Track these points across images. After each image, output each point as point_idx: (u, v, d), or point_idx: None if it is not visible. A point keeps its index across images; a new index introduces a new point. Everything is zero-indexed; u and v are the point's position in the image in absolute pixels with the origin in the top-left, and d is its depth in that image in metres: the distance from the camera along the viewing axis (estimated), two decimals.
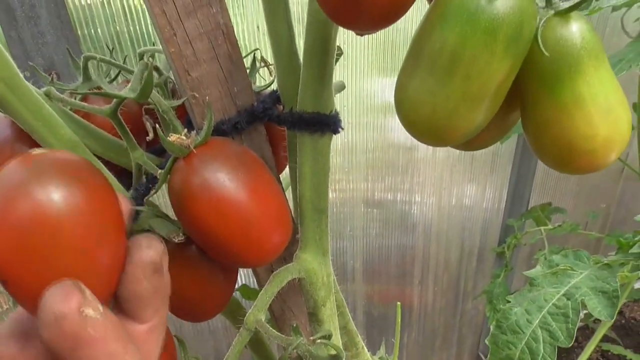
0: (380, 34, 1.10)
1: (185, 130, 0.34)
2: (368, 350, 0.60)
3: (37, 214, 0.20)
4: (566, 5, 0.28)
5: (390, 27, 0.28)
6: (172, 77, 0.41)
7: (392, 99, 0.31)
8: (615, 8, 0.83)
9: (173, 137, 0.33)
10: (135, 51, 0.83)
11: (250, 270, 0.54)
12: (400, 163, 1.31)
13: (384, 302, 1.49)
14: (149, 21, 0.82)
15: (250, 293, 0.67)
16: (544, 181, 1.64)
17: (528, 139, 0.31)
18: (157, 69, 0.40)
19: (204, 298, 0.40)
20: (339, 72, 1.09)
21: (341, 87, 0.44)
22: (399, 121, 0.31)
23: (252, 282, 0.87)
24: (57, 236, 0.21)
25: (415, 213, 1.43)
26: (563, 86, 0.28)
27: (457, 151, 1.46)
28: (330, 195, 1.25)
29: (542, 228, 1.31)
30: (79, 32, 0.76)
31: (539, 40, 0.27)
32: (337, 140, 1.18)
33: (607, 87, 0.28)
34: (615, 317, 0.91)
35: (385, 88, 1.15)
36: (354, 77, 1.11)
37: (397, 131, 1.21)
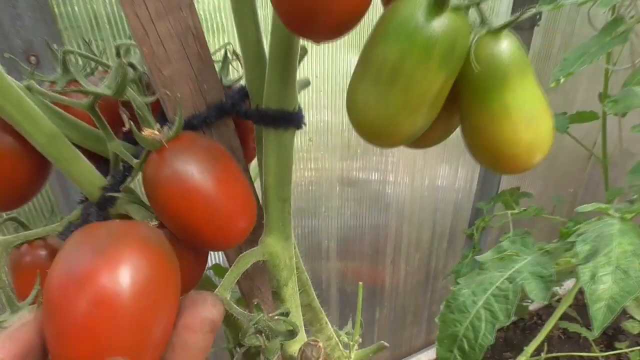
0: None
1: (158, 125, 0.37)
2: (341, 325, 0.64)
3: (102, 296, 0.21)
4: (498, 24, 0.32)
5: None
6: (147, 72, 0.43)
7: None
8: (577, 4, 0.87)
9: (147, 132, 0.36)
10: (112, 29, 0.85)
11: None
12: None
13: (357, 281, 1.54)
14: None
15: (222, 271, 0.71)
16: None
17: (465, 141, 0.35)
18: (132, 65, 0.43)
19: None
20: (315, 53, 1.11)
21: (305, 84, 0.47)
22: None
23: (224, 262, 0.91)
24: (118, 316, 0.21)
25: (389, 193, 1.47)
26: (492, 97, 0.32)
27: None
28: (306, 174, 1.28)
29: (509, 212, 1.37)
30: (56, 10, 0.78)
31: (472, 56, 0.31)
32: (314, 120, 1.22)
33: (532, 98, 0.32)
34: (575, 297, 0.96)
35: None
36: (329, 58, 1.13)
37: None
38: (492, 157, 0.34)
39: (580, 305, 2.14)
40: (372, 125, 0.32)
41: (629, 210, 0.58)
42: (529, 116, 0.32)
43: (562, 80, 0.95)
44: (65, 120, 0.41)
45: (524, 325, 2.08)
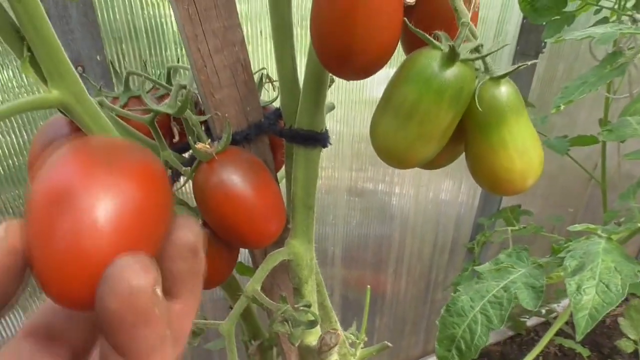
0: None
1: (209, 140, 0.44)
2: (343, 329, 0.70)
3: (82, 211, 0.20)
4: (499, 72, 0.38)
5: None
6: (195, 92, 0.50)
7: (377, 94, 0.40)
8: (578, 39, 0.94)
9: (200, 145, 0.43)
10: (149, 39, 0.92)
11: (246, 252, 0.64)
12: None
13: (359, 288, 1.59)
14: (160, 13, 0.91)
15: (244, 270, 0.78)
16: None
17: (468, 166, 0.42)
18: (184, 86, 0.50)
19: (212, 271, 0.50)
20: None
21: (331, 108, 0.54)
22: None
23: (246, 260, 0.97)
24: (98, 231, 0.20)
25: (394, 205, 1.52)
26: (492, 131, 0.38)
27: None
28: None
29: (509, 228, 1.43)
30: (100, 23, 0.85)
31: (476, 98, 0.37)
32: None
33: (525, 135, 0.39)
34: (570, 313, 1.02)
35: (372, 83, 1.23)
36: None
37: None
38: (490, 180, 0.40)
39: None
40: (391, 151, 0.39)
41: (615, 231, 0.65)
42: (522, 148, 0.39)
43: (562, 107, 1.01)
44: (127, 130, 0.48)
45: (520, 341, 2.13)
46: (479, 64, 0.39)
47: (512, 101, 0.38)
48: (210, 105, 0.45)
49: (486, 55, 0.37)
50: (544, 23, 1.11)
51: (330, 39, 0.35)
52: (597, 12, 1.10)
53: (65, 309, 0.20)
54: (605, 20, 1.09)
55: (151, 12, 0.92)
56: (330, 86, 0.50)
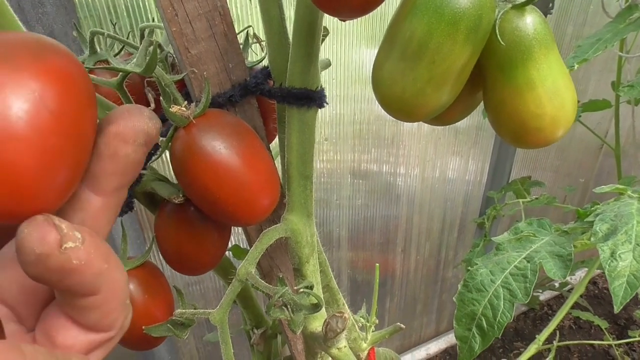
0: None
1: (186, 102, 0.38)
2: (352, 312, 0.65)
3: None
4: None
5: None
6: (172, 52, 0.44)
7: None
8: None
9: (175, 108, 0.37)
10: (130, 19, 0.86)
11: (242, 233, 0.58)
12: (386, 135, 1.34)
13: (367, 269, 1.55)
14: None
15: (241, 253, 0.72)
16: (525, 156, 1.70)
17: (488, 116, 0.36)
18: (158, 45, 0.44)
19: (200, 253, 0.45)
20: (329, 44, 1.12)
21: (327, 65, 0.48)
22: None
23: (243, 244, 0.92)
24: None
25: (400, 184, 1.48)
26: (516, 71, 0.32)
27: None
28: (318, 165, 1.29)
29: (520, 200, 1.37)
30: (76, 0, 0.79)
31: (497, 31, 0.31)
32: (325, 111, 1.22)
33: (555, 73, 0.33)
34: (586, 286, 0.96)
35: (373, 60, 1.17)
36: (343, 49, 1.14)
37: None
38: (516, 130, 0.34)
39: (591, 296, 2.15)
40: (398, 100, 0.33)
41: None
42: (552, 90, 0.32)
43: (575, 67, 0.95)
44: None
45: (534, 316, 2.08)
46: None
47: (539, 33, 0.32)
48: (186, 63, 0.39)
49: None
50: None
51: None
52: None
53: None
54: None
55: None
56: (324, 39, 0.44)
